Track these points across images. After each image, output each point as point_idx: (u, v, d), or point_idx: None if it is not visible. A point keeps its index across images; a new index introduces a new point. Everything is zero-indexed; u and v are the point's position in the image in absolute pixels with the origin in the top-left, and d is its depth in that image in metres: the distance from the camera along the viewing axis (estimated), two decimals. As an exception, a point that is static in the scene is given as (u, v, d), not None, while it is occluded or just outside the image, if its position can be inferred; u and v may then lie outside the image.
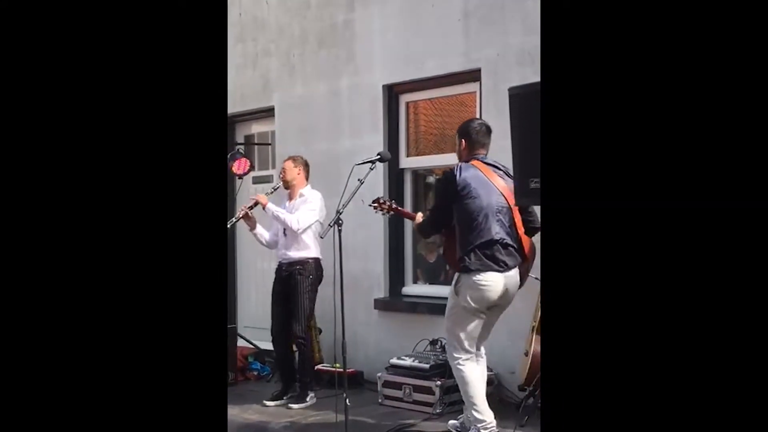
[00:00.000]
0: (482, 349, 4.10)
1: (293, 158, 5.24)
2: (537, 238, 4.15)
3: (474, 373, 3.94)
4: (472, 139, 4.08)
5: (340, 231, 4.09)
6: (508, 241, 3.89)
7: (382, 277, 5.83)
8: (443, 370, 4.60)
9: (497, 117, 4.73)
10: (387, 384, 4.89)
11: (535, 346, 4.41)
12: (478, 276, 3.83)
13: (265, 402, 5.06)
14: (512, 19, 4.96)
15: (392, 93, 5.80)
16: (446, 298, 4.25)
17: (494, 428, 3.94)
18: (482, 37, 5.15)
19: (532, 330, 4.49)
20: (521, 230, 3.98)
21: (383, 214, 4.58)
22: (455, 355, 3.97)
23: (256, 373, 6.07)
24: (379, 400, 4.89)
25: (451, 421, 4.32)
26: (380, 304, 5.79)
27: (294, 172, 5.13)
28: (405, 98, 5.82)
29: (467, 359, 3.96)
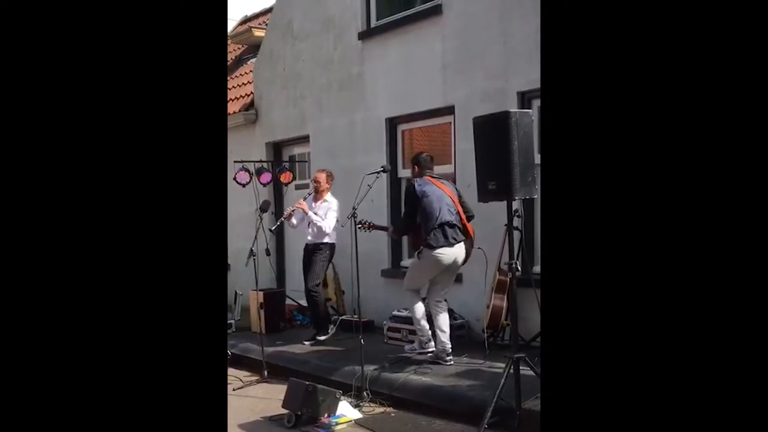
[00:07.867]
0: (445, 300, 5.04)
1: (327, 172, 6.10)
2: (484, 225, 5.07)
3: (416, 304, 4.99)
4: (421, 165, 5.16)
5: (355, 221, 4.76)
6: (455, 222, 4.89)
7: (386, 253, 6.59)
8: (428, 318, 5.18)
9: (466, 140, 5.32)
10: (390, 329, 5.78)
11: (494, 301, 5.19)
12: (436, 250, 4.81)
13: (303, 342, 6.09)
14: (477, 68, 5.63)
15: (392, 123, 6.49)
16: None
17: (430, 336, 5.00)
18: (455, 82, 5.77)
19: (491, 290, 5.27)
20: (464, 217, 5.01)
21: (366, 232, 5.35)
22: (408, 292, 5.02)
23: (299, 322, 6.95)
24: (385, 340, 5.78)
25: (407, 346, 5.25)
26: (385, 273, 6.56)
27: (326, 185, 6.08)
28: (401, 127, 6.52)
29: (413, 296, 4.99)
